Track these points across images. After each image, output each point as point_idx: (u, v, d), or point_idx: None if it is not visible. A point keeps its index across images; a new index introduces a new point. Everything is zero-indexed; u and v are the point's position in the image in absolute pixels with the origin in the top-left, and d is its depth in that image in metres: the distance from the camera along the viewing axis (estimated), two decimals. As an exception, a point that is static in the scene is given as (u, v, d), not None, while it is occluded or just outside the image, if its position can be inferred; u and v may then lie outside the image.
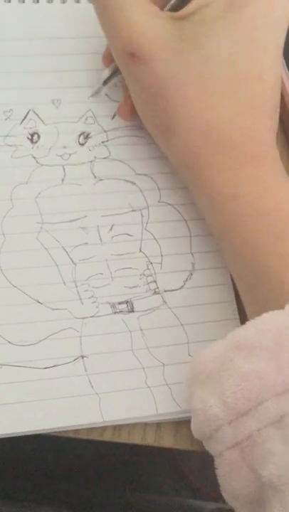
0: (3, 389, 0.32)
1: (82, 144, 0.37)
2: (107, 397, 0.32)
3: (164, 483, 0.61)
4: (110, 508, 0.49)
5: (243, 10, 0.31)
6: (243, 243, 0.30)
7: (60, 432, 0.32)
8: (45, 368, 0.32)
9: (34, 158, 0.36)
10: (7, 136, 0.36)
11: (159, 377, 0.33)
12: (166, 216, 0.36)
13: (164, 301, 0.34)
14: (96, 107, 0.37)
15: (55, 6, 0.39)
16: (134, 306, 0.34)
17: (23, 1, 0.39)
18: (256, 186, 0.30)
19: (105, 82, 0.36)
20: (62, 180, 0.36)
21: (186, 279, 0.35)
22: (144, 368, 0.33)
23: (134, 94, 0.33)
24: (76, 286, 0.34)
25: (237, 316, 0.34)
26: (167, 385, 0.33)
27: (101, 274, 0.34)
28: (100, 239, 0.35)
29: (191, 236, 0.35)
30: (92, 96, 0.37)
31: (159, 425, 0.33)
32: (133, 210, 0.36)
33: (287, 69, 0.39)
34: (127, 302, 0.34)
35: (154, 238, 0.35)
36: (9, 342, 0.33)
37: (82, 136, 0.37)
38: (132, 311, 0.34)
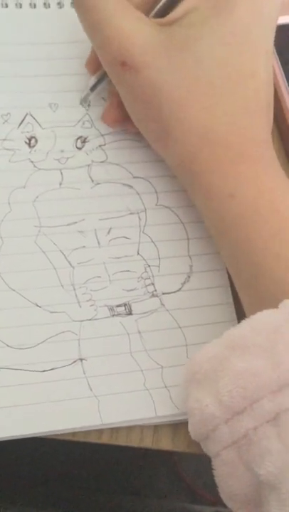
0: (2, 392, 0.32)
1: (79, 148, 0.37)
2: (105, 399, 0.32)
3: (162, 487, 0.61)
4: (108, 512, 0.49)
5: (232, 11, 0.31)
6: (240, 242, 0.30)
7: (57, 435, 0.32)
8: (44, 370, 0.32)
9: (32, 162, 0.36)
10: (4, 140, 0.36)
11: (157, 379, 0.33)
12: (164, 219, 0.36)
13: (162, 304, 0.34)
14: (93, 110, 0.37)
15: (52, 11, 0.39)
16: (132, 308, 0.34)
17: (20, 6, 0.39)
18: (253, 186, 0.31)
19: (92, 89, 0.36)
20: (60, 184, 0.36)
21: (184, 282, 0.35)
22: (142, 371, 0.33)
23: (127, 102, 0.33)
24: (74, 290, 0.34)
25: (235, 318, 0.34)
26: (166, 387, 0.33)
27: (99, 277, 0.34)
28: (98, 242, 0.35)
29: (188, 239, 0.36)
30: (80, 103, 0.37)
31: (156, 428, 0.33)
32: (131, 214, 0.36)
33: (282, 69, 0.40)
34: (125, 305, 0.34)
35: (152, 241, 0.36)
36: (8, 345, 0.33)
37: (79, 140, 0.37)
38: (130, 313, 0.34)
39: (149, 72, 0.31)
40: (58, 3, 0.39)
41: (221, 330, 0.33)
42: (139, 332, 0.34)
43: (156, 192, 0.37)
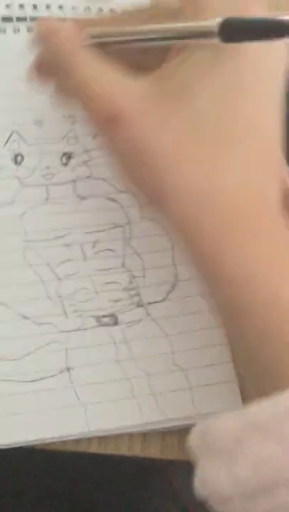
0: (-8, 403, 0.32)
1: (65, 164, 0.38)
2: (93, 408, 0.33)
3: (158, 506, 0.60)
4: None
5: (232, 62, 0.27)
6: (251, 333, 0.26)
7: (47, 444, 0.32)
8: (32, 381, 0.33)
9: (18, 178, 0.37)
10: (-9, 158, 0.37)
11: (144, 387, 0.33)
12: (149, 231, 0.37)
13: (148, 314, 0.35)
14: (78, 127, 0.38)
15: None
16: (119, 319, 0.35)
17: (5, 31, 0.41)
18: (270, 268, 0.26)
19: None
20: (46, 199, 0.37)
21: (169, 291, 0.36)
22: (129, 379, 0.33)
23: (118, 162, 0.31)
24: (61, 301, 0.35)
25: (221, 324, 0.35)
26: (153, 394, 0.33)
27: (85, 288, 0.35)
28: (84, 255, 0.36)
29: (173, 248, 0.36)
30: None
31: (144, 436, 0.33)
32: (116, 227, 0.37)
33: None
34: (111, 315, 0.35)
35: (137, 253, 0.36)
36: (-4, 357, 0.33)
37: (65, 157, 0.38)
38: (117, 323, 0.35)
39: (140, 130, 0.28)
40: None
41: (208, 337, 0.34)
42: (126, 341, 0.34)
43: (140, 205, 0.37)
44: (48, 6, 0.42)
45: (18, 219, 0.36)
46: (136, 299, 0.35)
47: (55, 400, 0.33)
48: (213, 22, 0.25)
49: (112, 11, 0.41)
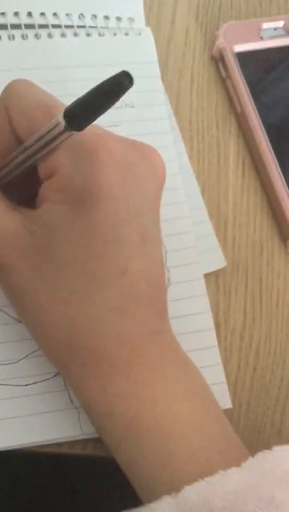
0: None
1: None
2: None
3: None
4: None
5: (93, 211, 0.28)
6: (128, 463, 0.28)
7: (42, 446, 0.33)
8: (27, 384, 0.33)
9: None
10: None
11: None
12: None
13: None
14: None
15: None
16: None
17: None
18: (131, 402, 0.28)
19: None
20: None
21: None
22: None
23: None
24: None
25: (212, 327, 0.35)
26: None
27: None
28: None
29: (166, 251, 0.36)
30: None
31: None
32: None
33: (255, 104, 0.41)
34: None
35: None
36: (-8, 362, 0.34)
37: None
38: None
39: (14, 275, 0.29)
40: None
41: (200, 339, 0.34)
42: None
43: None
44: (42, 14, 0.43)
45: None
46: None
47: (49, 403, 0.33)
48: (58, 117, 0.25)
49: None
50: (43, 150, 0.28)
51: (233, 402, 0.35)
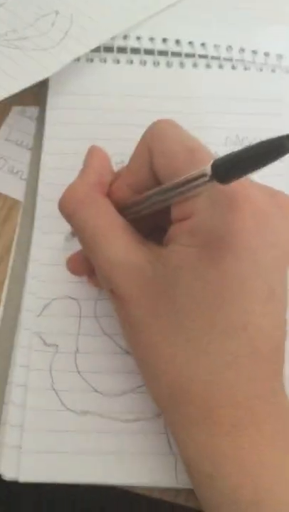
0: (85, 437, 0.32)
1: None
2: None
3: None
4: None
5: (224, 259, 0.27)
6: None
7: (134, 487, 0.31)
8: (126, 420, 0.32)
9: None
10: None
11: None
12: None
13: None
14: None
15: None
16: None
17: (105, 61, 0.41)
18: (234, 468, 0.26)
19: (74, 234, 0.35)
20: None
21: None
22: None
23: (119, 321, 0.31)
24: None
25: None
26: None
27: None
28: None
29: None
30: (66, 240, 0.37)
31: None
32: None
33: None
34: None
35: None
36: (96, 390, 0.33)
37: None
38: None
39: (131, 307, 0.28)
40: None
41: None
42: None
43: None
44: (190, 43, 0.42)
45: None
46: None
47: (145, 444, 0.32)
48: (206, 168, 0.24)
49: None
50: (182, 194, 0.27)
51: None
